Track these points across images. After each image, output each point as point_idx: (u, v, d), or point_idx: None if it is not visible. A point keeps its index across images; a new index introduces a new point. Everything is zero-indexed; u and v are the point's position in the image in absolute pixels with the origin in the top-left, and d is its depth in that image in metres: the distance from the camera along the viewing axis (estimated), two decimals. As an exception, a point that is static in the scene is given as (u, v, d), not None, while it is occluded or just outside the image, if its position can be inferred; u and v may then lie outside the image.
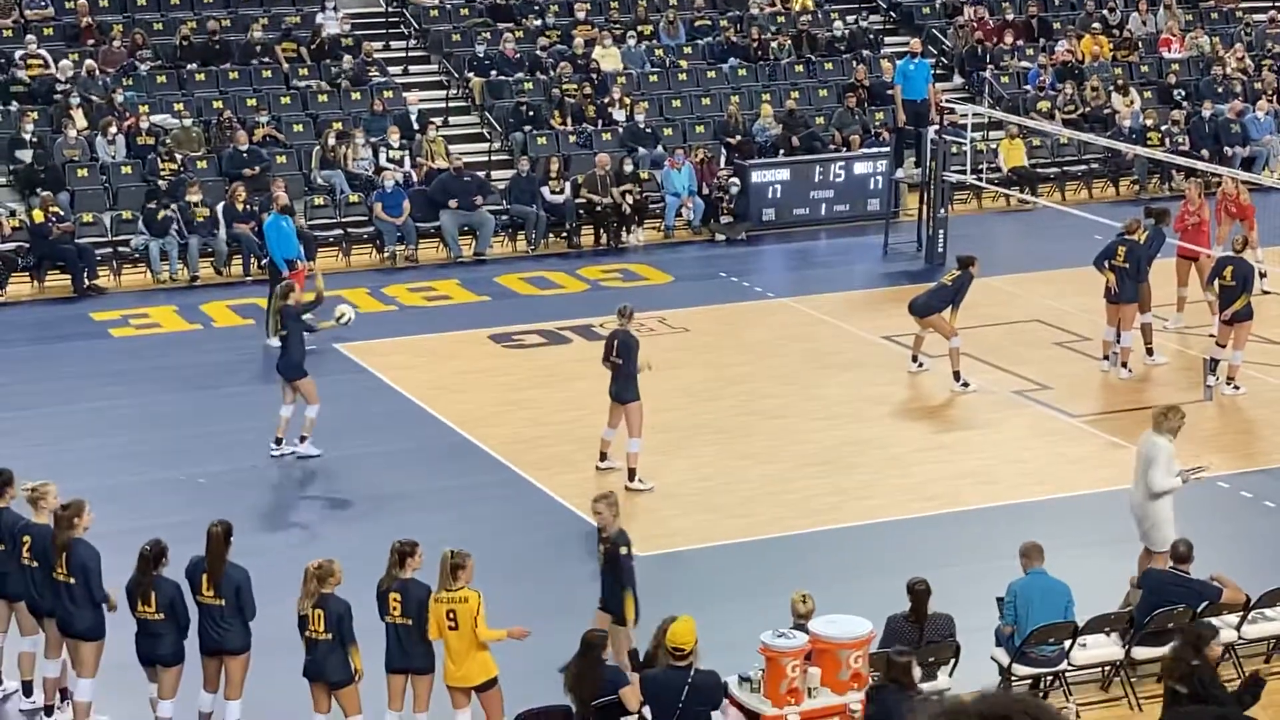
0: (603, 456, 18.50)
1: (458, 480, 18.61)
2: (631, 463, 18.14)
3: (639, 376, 18.10)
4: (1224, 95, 32.34)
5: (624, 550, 13.59)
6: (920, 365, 21.57)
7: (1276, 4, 36.45)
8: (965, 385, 20.95)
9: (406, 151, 28.43)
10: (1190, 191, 23.47)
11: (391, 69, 31.18)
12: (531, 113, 29.89)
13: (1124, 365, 21.37)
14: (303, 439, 18.88)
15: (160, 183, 26.90)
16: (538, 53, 31.25)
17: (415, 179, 27.90)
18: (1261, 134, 31.36)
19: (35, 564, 13.37)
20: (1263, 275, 23.93)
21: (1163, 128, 31.17)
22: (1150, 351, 21.80)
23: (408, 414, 20.42)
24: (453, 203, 26.99)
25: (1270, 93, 32.54)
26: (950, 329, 20.95)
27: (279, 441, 18.90)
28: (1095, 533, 16.98)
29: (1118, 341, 21.35)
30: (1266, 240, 24.26)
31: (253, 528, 16.40)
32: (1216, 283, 20.73)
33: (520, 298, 25.24)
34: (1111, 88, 32.34)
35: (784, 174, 28.74)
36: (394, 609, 12.85)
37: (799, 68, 32.26)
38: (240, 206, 26.05)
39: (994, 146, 30.22)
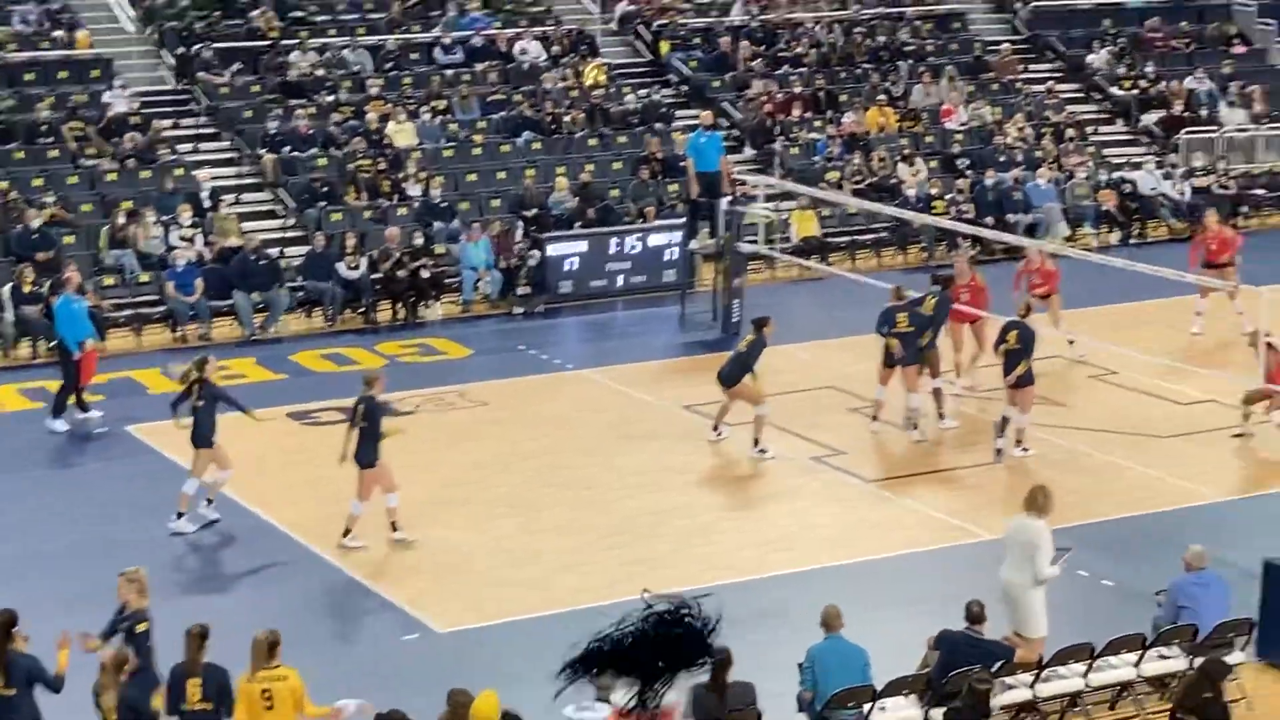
0: (346, 532, 18.54)
1: (252, 561, 18.37)
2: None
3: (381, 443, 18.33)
4: (1006, 164, 33.19)
5: (139, 628, 13.40)
6: (720, 434, 21.77)
7: (1054, 75, 37.54)
8: (763, 452, 21.19)
9: (198, 229, 28.11)
10: (959, 264, 24.01)
11: (181, 146, 30.83)
12: (326, 189, 29.75)
13: (914, 427, 21.81)
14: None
15: (-56, 265, 26.31)
16: (330, 129, 31.13)
17: (208, 257, 27.60)
18: (1042, 201, 32.19)
19: None
20: (1071, 343, 24.60)
21: (947, 196, 31.91)
22: (942, 415, 22.24)
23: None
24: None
25: (1050, 161, 33.45)
26: (758, 395, 21.22)
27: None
28: (892, 595, 17.24)
29: (909, 401, 21.84)
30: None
31: (41, 613, 16.00)
32: (1001, 347, 21.23)
33: (317, 375, 25.03)
34: (897, 158, 33.05)
35: (580, 246, 28.90)
36: (192, 695, 12.65)
37: (593, 141, 32.51)
38: (27, 288, 25.54)
39: (785, 217, 30.68)
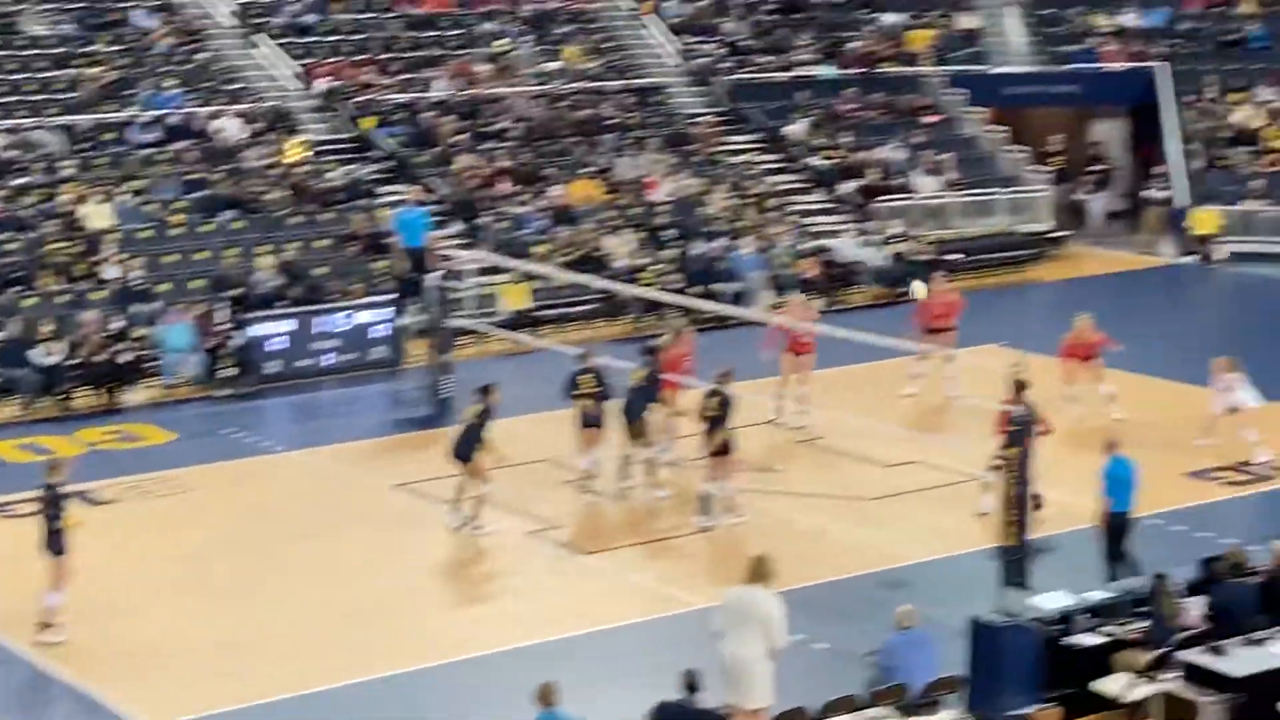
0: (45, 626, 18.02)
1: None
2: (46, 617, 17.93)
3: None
4: (710, 234, 33.68)
5: None
6: (469, 523, 21.26)
7: (755, 146, 38.25)
8: (478, 529, 21.02)
9: (-116, 318, 27.05)
10: (684, 336, 24.20)
11: None
12: (18, 273, 28.86)
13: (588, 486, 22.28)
14: None
15: None
16: (21, 212, 30.25)
17: (-106, 347, 26.57)
18: (747, 270, 32.72)
19: None
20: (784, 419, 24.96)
21: (654, 267, 32.24)
22: (656, 485, 22.36)
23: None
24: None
25: (753, 230, 34.04)
26: (483, 473, 21.02)
27: None
28: (610, 668, 17.22)
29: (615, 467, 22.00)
30: (751, 373, 24.99)
31: None
32: (704, 414, 21.44)
33: (13, 465, 24.18)
34: (604, 230, 33.31)
35: (287, 326, 28.48)
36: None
37: (296, 219, 32.12)
38: None
39: (493, 291, 30.67)
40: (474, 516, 21.01)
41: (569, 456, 22.96)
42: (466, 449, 21.08)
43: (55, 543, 17.91)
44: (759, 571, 15.11)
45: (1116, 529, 18.75)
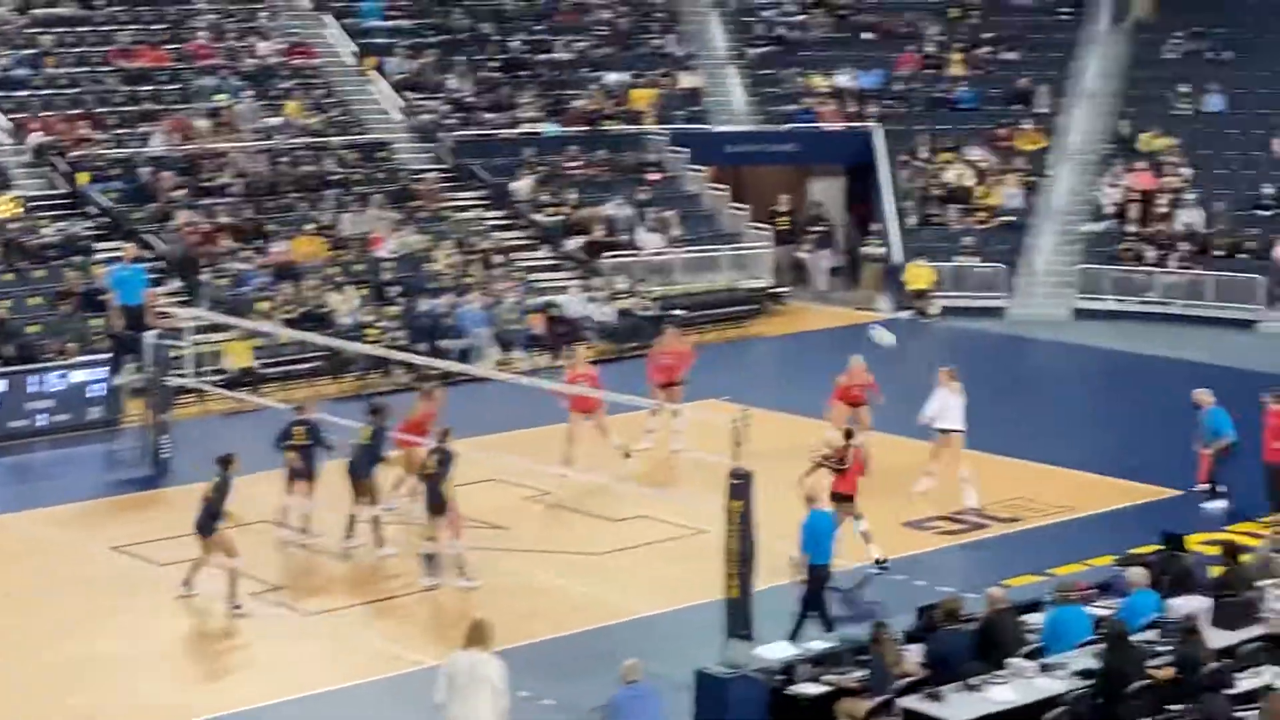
0: None
1: None
2: None
3: None
4: (436, 290, 33.60)
5: None
6: (189, 588, 20.67)
7: (481, 203, 38.32)
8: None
9: None
10: (437, 394, 23.96)
11: None
12: None
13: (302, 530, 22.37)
14: None
15: None
16: None
17: None
18: (474, 326, 32.70)
19: None
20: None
21: (380, 323, 32.05)
22: (381, 543, 22.17)
23: None
24: None
25: (479, 287, 34.05)
26: (232, 547, 20.47)
27: None
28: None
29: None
30: (476, 430, 24.93)
31: None
32: (423, 472, 21.37)
33: None
34: (328, 286, 33.01)
35: (-1, 385, 27.69)
36: None
37: (9, 275, 31.25)
38: None
39: (215, 349, 30.18)
40: (231, 593, 20.24)
41: (288, 517, 22.66)
42: (207, 525, 20.40)
43: None
44: (478, 635, 15.05)
45: (815, 581, 18.91)
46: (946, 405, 24.31)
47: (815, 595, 18.90)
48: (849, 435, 21.86)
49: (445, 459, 21.02)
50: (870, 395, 25.71)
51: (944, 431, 24.27)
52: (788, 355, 35.15)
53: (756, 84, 43.96)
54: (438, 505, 20.92)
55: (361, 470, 22.17)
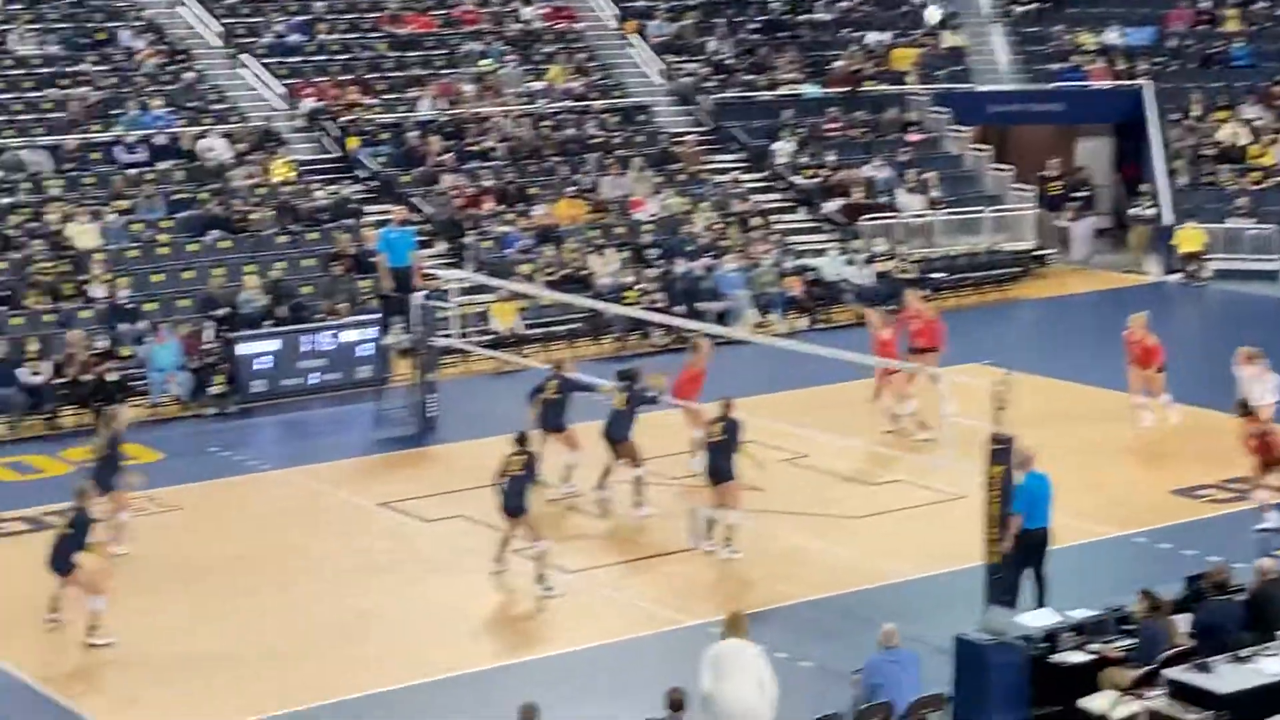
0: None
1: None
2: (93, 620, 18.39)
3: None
4: (694, 253, 33.75)
5: None
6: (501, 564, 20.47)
7: (739, 165, 38.36)
8: (549, 589, 20.12)
9: None
10: (702, 347, 24.16)
11: None
12: (5, 293, 28.87)
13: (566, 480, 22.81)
14: None
15: None
16: (8, 231, 30.27)
17: (-120, 367, 26.56)
18: (731, 289, 32.78)
19: None
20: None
21: (638, 286, 32.31)
22: (639, 504, 22.38)
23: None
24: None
25: (737, 249, 34.11)
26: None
27: None
28: (595, 686, 17.20)
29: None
30: (726, 392, 24.95)
31: None
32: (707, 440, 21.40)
33: (0, 485, 24.21)
34: (589, 249, 33.37)
35: (273, 345, 28.49)
36: None
37: (282, 238, 32.16)
38: None
39: (480, 310, 30.73)
40: (542, 574, 20.03)
41: (555, 476, 22.97)
42: (516, 502, 20.07)
43: (64, 563, 18.37)
44: (737, 625, 14.99)
45: (1032, 546, 18.32)
46: (1265, 385, 23.45)
47: (1030, 560, 18.39)
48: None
49: (731, 428, 20.98)
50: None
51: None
52: (1050, 319, 34.58)
53: (1023, 42, 43.24)
54: (719, 473, 20.88)
55: (618, 433, 22.41)
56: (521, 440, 20.44)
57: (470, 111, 37.29)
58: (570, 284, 31.85)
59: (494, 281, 29.99)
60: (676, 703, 14.24)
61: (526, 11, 41.08)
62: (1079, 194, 40.37)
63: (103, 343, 27.79)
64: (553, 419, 22.88)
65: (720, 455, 20.89)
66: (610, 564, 21.03)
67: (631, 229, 34.81)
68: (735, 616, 15.18)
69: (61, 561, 18.44)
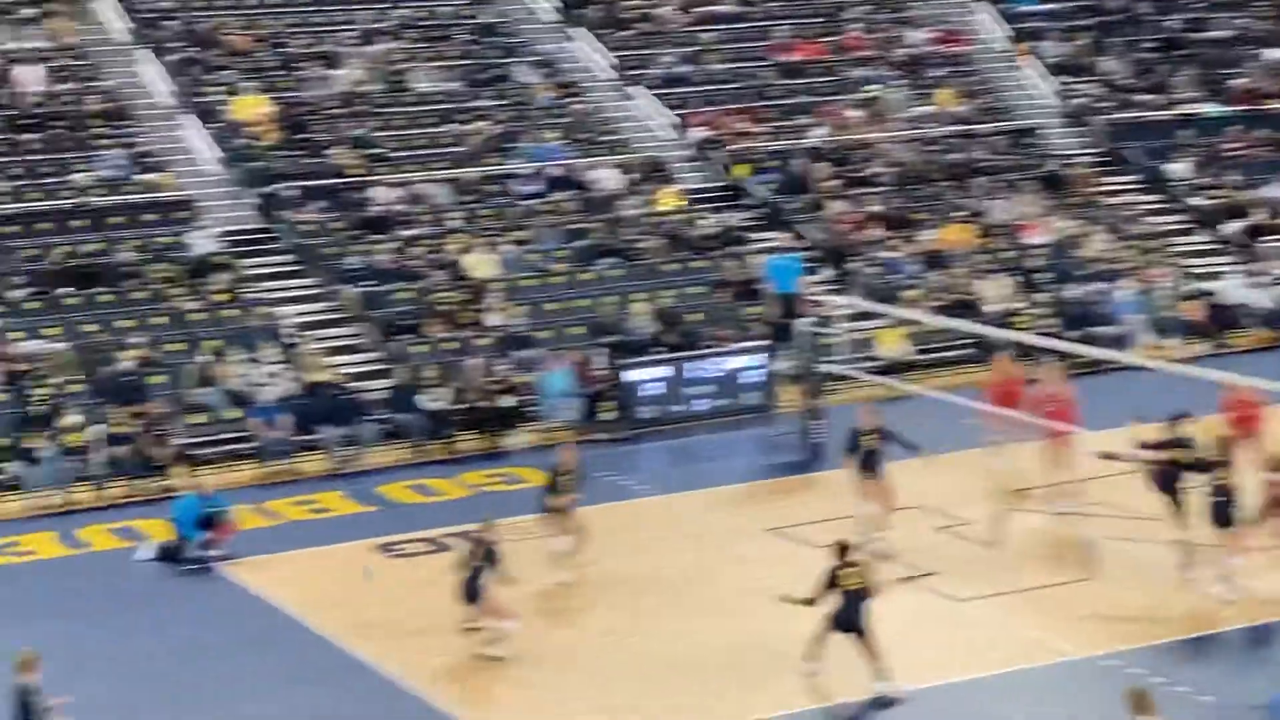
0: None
1: (337, 699, 18.30)
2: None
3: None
4: (1087, 277, 33.03)
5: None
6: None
7: (1134, 187, 37.42)
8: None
9: (284, 365, 28.37)
10: (1050, 374, 23.74)
11: (266, 284, 31.19)
12: (408, 321, 29.97)
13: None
14: None
15: (34, 409, 26.61)
16: (411, 262, 31.42)
17: (294, 392, 27.81)
18: (1126, 314, 31.99)
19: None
20: None
21: (1030, 310, 31.75)
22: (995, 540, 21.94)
23: (285, 630, 20.17)
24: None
25: (1132, 273, 33.27)
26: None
27: None
28: (992, 713, 16.95)
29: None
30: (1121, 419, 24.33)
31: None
32: None
33: (403, 506, 25.10)
34: (977, 274, 32.96)
35: (661, 371, 28.93)
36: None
37: (671, 266, 32.62)
38: (117, 429, 25.87)
39: (866, 337, 30.64)
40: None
41: (947, 502, 22.72)
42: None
43: (472, 591, 19.05)
44: (1143, 704, 14.03)
45: None
46: None
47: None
48: None
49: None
50: None
51: None
52: None
53: None
54: (1223, 519, 19.88)
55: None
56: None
57: (856, 137, 37.25)
58: (958, 309, 31.51)
59: (880, 308, 29.87)
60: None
61: (913, 36, 40.87)
62: None
63: (499, 369, 28.59)
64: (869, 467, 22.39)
65: (1223, 499, 19.85)
66: (1001, 593, 20.67)
67: (1021, 253, 34.27)
68: (1139, 694, 14.05)
69: (472, 591, 19.09)
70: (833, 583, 17.96)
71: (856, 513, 22.00)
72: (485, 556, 19.29)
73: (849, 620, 17.89)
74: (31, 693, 14.62)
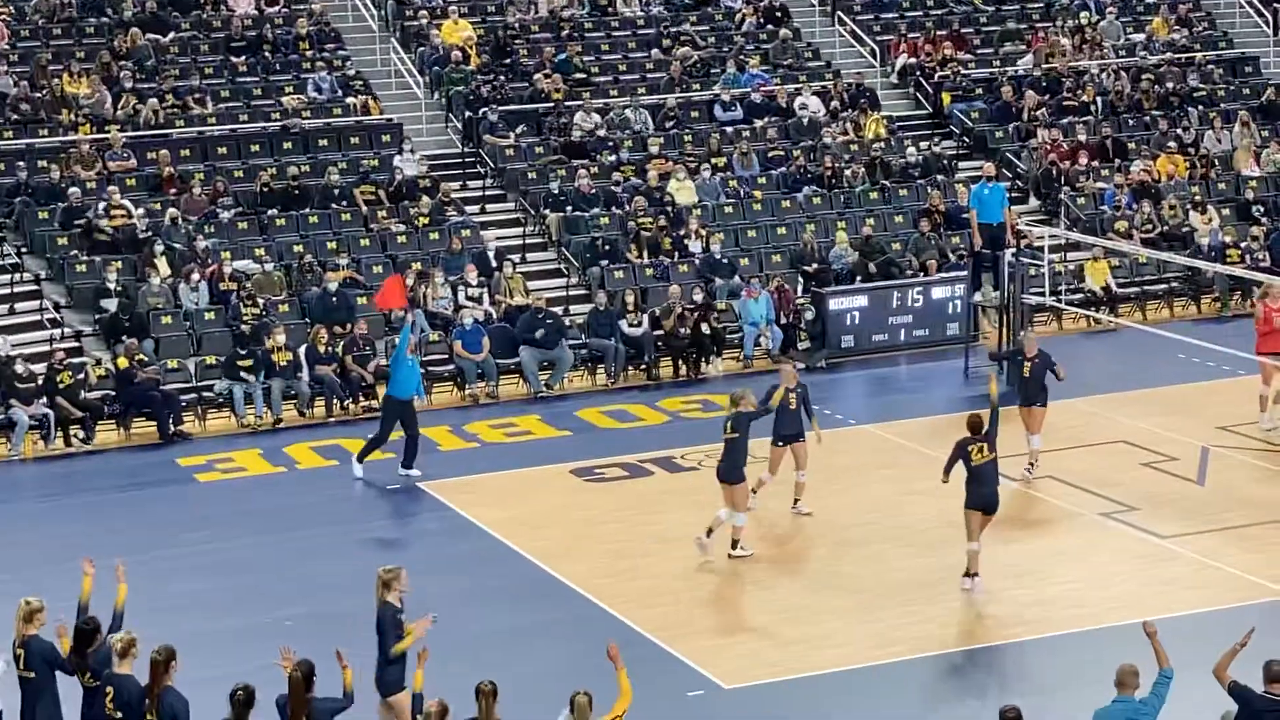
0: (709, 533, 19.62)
1: (536, 616, 18.51)
2: (735, 534, 19.63)
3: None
4: (1303, 210, 32.16)
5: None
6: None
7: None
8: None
9: (485, 289, 28.64)
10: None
11: (468, 208, 31.47)
12: (608, 247, 30.07)
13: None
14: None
15: (243, 327, 27.18)
16: (612, 188, 31.50)
17: (494, 316, 28.07)
18: (1343, 247, 31.09)
19: (120, 715, 13.32)
20: None
21: (1242, 244, 30.99)
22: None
23: (489, 551, 20.42)
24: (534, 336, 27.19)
25: (1351, 206, 32.32)
26: None
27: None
28: (1187, 656, 16.64)
29: None
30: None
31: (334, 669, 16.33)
32: None
33: (601, 431, 25.26)
34: (1189, 206, 32.21)
35: (862, 301, 28.74)
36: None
37: (873, 194, 32.32)
38: (322, 349, 26.30)
39: (1072, 268, 30.13)
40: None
41: (1152, 439, 22.31)
42: None
43: (734, 473, 19.45)
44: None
45: None
46: None
47: None
48: None
49: None
50: None
51: None
52: None
53: None
54: None
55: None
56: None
57: (1066, 65, 36.50)
58: (1169, 242, 30.84)
59: (1088, 239, 29.34)
60: (1276, 675, 13.55)
61: (1128, -39, 39.93)
62: None
63: (698, 296, 28.58)
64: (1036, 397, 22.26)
65: None
66: (1207, 530, 20.27)
67: (1235, 185, 33.41)
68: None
69: (733, 471, 19.47)
70: (965, 458, 18.45)
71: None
72: (736, 427, 19.53)
73: (987, 498, 18.45)
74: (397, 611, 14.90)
